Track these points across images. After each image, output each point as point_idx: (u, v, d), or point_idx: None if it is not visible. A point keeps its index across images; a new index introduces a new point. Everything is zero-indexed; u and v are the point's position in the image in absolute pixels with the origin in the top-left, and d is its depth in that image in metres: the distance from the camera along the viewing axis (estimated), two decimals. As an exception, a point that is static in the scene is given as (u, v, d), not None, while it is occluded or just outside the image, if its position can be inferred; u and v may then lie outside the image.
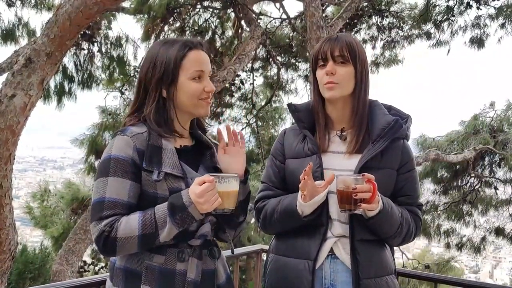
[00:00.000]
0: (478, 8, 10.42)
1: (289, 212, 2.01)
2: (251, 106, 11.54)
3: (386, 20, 11.06)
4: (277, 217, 2.05)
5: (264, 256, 3.45)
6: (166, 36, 9.69)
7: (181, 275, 1.74)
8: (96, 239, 1.70)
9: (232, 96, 11.42)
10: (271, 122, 12.15)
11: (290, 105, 2.19)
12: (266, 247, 3.42)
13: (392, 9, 10.99)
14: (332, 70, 2.00)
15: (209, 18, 10.19)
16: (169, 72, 1.81)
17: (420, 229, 2.11)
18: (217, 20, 10.25)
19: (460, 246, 12.14)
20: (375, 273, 1.97)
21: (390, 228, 1.96)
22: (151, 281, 1.72)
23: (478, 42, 11.12)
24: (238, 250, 3.52)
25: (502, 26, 10.80)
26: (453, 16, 10.85)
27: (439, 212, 11.99)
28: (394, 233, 1.98)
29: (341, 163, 2.03)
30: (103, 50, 9.57)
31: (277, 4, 10.19)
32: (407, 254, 11.62)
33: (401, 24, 11.15)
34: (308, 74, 8.29)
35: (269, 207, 2.09)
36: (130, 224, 1.68)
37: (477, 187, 11.57)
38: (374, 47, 11.62)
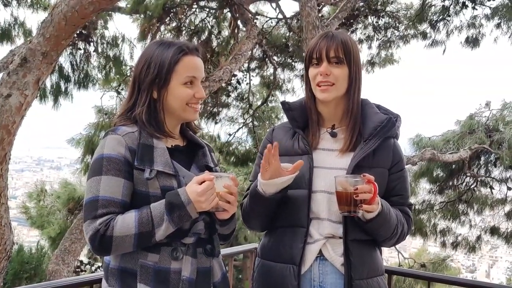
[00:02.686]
0: (473, 8, 10.46)
1: (253, 193, 1.98)
2: (247, 105, 11.56)
3: (382, 20, 11.10)
4: (248, 203, 2.04)
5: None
6: (162, 36, 9.69)
7: (175, 273, 1.73)
8: (91, 238, 1.69)
9: (228, 96, 11.44)
10: (267, 122, 12.16)
11: (283, 103, 2.16)
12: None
13: (388, 9, 11.03)
14: (327, 71, 1.96)
15: (206, 18, 10.20)
16: (162, 75, 1.81)
17: (411, 229, 2.10)
18: (214, 20, 10.26)
19: (455, 245, 12.17)
20: (367, 274, 1.95)
21: (387, 231, 1.94)
22: (147, 280, 1.71)
23: (473, 42, 11.17)
24: (232, 249, 3.53)
25: (498, 26, 10.84)
26: (449, 16, 10.89)
27: (435, 211, 12.01)
28: (389, 236, 1.96)
29: (333, 161, 2.00)
30: (99, 49, 9.58)
31: (273, 4, 10.20)
32: (403, 253, 11.65)
33: (397, 24, 11.18)
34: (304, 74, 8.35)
35: (245, 198, 2.08)
36: (126, 222, 1.67)
37: (472, 186, 11.59)
38: (370, 47, 11.68)
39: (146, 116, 1.82)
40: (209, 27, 10.22)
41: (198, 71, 1.86)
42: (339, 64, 1.98)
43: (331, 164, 1.99)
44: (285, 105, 2.15)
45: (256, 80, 11.92)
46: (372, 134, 2.00)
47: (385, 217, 1.89)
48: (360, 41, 11.35)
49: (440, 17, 11.02)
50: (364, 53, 11.66)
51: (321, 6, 9.81)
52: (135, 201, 1.75)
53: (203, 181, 1.68)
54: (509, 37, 10.73)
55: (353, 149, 2.00)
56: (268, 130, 2.28)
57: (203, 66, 1.90)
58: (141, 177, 1.74)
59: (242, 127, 11.77)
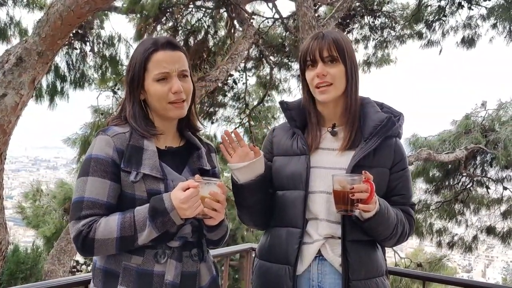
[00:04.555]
0: (469, 8, 10.47)
1: (232, 184, 2.00)
2: (244, 105, 11.54)
3: (378, 20, 11.11)
4: (233, 194, 2.05)
5: (254, 255, 3.47)
6: (158, 36, 9.68)
7: (158, 276, 1.72)
8: (74, 239, 1.69)
9: (225, 95, 11.43)
10: (264, 122, 12.15)
11: (282, 103, 2.16)
12: (256, 245, 3.44)
13: (384, 9, 11.04)
14: (323, 72, 1.95)
15: (202, 17, 10.19)
16: (135, 76, 1.80)
17: (413, 229, 2.07)
18: (210, 20, 10.25)
19: (451, 245, 12.18)
20: (365, 275, 1.93)
21: (386, 230, 1.92)
22: (128, 282, 1.70)
23: (469, 42, 11.19)
24: (227, 249, 3.53)
25: (494, 26, 10.86)
26: (445, 16, 10.90)
27: (431, 211, 12.02)
28: (389, 235, 1.94)
29: (332, 161, 1.99)
30: (96, 49, 9.57)
31: (270, 4, 10.20)
32: (399, 253, 11.65)
33: (393, 24, 11.19)
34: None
35: None
36: (109, 225, 1.66)
37: (468, 186, 11.60)
38: (366, 47, 11.68)
39: (135, 116, 1.81)
40: (206, 26, 10.21)
41: (169, 65, 1.79)
42: (334, 62, 1.97)
43: (331, 164, 1.99)
44: (283, 105, 2.15)
45: (252, 80, 11.94)
46: (372, 133, 1.99)
47: (383, 216, 1.87)
48: (357, 41, 11.36)
49: (436, 17, 11.03)
50: (360, 53, 11.69)
51: (317, 6, 9.82)
52: (122, 203, 1.74)
53: (188, 188, 1.65)
54: (505, 37, 10.76)
55: (352, 147, 1.99)
56: (269, 130, 2.27)
57: (180, 58, 1.83)
58: (127, 180, 1.73)
59: (238, 127, 11.75)
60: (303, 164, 1.98)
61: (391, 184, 2.00)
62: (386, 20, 11.15)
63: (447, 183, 11.79)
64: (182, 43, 9.44)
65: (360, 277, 1.92)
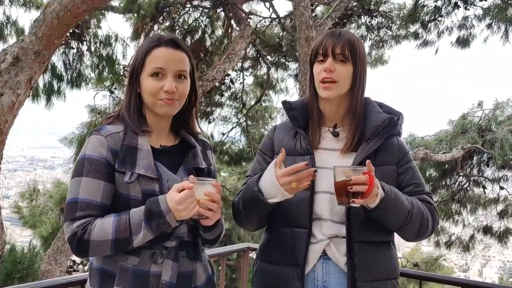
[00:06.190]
0: (466, 8, 10.49)
1: (251, 198, 1.92)
2: (241, 105, 11.55)
3: (375, 20, 11.12)
4: (242, 205, 1.99)
5: (251, 254, 3.47)
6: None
7: (155, 276, 1.71)
8: (69, 240, 1.68)
9: (222, 95, 11.44)
10: (261, 121, 12.16)
11: (284, 103, 2.14)
12: (253, 245, 3.44)
13: (381, 9, 11.05)
14: (331, 67, 1.95)
15: (199, 17, 10.19)
16: (134, 69, 1.81)
17: (437, 219, 2.01)
18: (207, 19, 10.25)
19: (449, 245, 12.20)
20: (373, 277, 1.90)
21: (397, 217, 1.87)
22: (125, 282, 1.69)
23: (463, 42, 11.21)
24: (224, 249, 3.53)
25: (489, 26, 10.88)
26: (441, 16, 10.92)
27: (428, 210, 12.02)
28: (403, 222, 1.89)
29: (335, 162, 1.95)
30: (92, 49, 9.56)
31: (267, 4, 10.21)
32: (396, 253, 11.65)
33: (390, 24, 11.20)
34: (298, 73, 8.36)
35: (239, 196, 2.03)
36: (104, 227, 1.66)
37: (465, 186, 11.62)
38: (363, 47, 11.70)
39: (128, 111, 1.80)
40: (203, 26, 10.21)
41: (167, 63, 1.78)
42: (344, 61, 1.97)
43: (333, 164, 1.94)
44: (286, 104, 2.13)
45: (249, 80, 11.94)
46: (373, 134, 1.98)
47: (389, 202, 1.82)
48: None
49: (432, 17, 11.05)
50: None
51: (314, 5, 9.82)
52: (116, 203, 1.73)
53: (183, 189, 1.63)
54: (501, 37, 10.79)
55: (354, 149, 1.98)
56: (269, 128, 2.25)
57: (180, 58, 1.82)
58: (122, 180, 1.71)
59: (235, 126, 11.77)
60: (309, 164, 1.94)
61: (400, 178, 2.00)
62: (383, 20, 11.16)
63: (444, 183, 11.81)
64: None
65: (367, 279, 1.88)
